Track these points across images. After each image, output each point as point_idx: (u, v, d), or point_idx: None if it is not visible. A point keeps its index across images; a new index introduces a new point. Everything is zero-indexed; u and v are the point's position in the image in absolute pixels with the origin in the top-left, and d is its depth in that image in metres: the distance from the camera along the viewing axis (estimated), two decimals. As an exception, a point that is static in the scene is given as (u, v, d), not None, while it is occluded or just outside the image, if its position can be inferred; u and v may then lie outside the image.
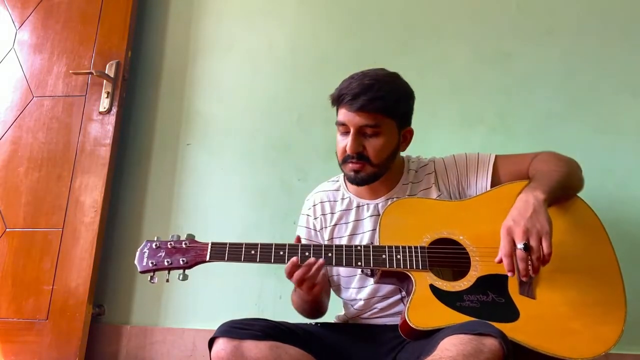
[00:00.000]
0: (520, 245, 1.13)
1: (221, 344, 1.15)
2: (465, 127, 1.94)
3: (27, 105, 2.24)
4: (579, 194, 1.35)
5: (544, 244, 1.13)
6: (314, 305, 1.39)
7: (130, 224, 2.17)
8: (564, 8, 1.95)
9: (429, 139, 1.87)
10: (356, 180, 1.36)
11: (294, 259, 1.22)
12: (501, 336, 1.00)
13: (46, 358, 1.93)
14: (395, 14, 2.10)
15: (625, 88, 1.85)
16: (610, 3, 1.92)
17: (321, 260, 1.21)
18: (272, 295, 1.97)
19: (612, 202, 1.73)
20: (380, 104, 1.29)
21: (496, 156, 1.41)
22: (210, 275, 1.99)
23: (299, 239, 1.30)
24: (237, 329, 1.18)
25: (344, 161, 1.36)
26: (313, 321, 1.44)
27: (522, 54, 1.95)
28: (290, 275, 1.22)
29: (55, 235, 2.06)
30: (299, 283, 1.22)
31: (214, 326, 1.21)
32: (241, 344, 1.15)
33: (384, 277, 1.27)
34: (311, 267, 1.21)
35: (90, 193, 2.08)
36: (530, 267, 1.14)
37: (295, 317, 1.45)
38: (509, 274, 1.15)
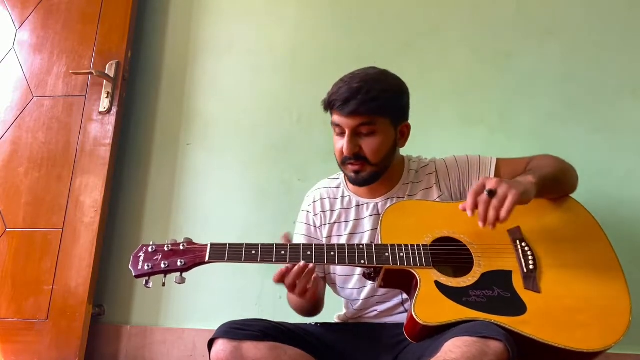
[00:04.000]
0: (486, 190, 1.15)
1: (221, 345, 1.15)
2: (466, 126, 1.94)
3: (27, 105, 2.24)
4: (575, 196, 1.35)
5: (508, 199, 1.13)
6: (309, 305, 1.39)
7: (130, 224, 2.17)
8: (564, 8, 1.95)
9: (429, 139, 1.87)
10: (358, 181, 1.37)
11: (282, 268, 1.21)
12: (506, 339, 0.99)
13: (46, 358, 1.93)
14: (395, 13, 2.10)
15: (625, 88, 1.84)
16: (610, 3, 1.92)
17: (311, 265, 1.20)
18: (272, 295, 1.97)
19: (612, 202, 1.73)
20: (370, 105, 1.28)
21: (497, 159, 1.41)
22: (210, 275, 1.99)
23: (286, 237, 1.28)
24: (237, 330, 1.18)
25: (343, 163, 1.36)
26: (313, 321, 1.44)
27: (522, 54, 1.95)
28: (279, 282, 1.22)
29: (55, 235, 2.06)
30: (290, 289, 1.21)
31: (214, 326, 1.21)
32: (241, 345, 1.15)
33: (387, 279, 1.25)
34: (300, 274, 1.19)
35: (90, 193, 2.08)
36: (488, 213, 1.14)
37: (295, 318, 1.45)
38: (469, 213, 1.15)
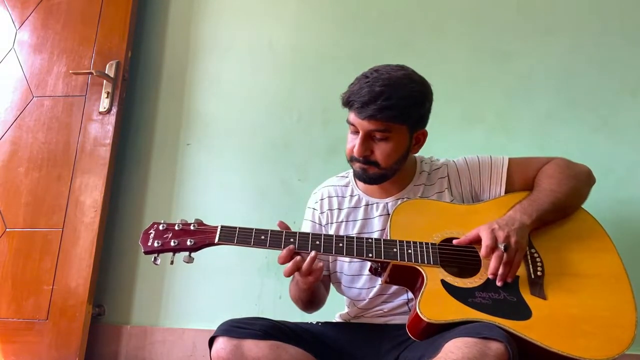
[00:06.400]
0: (501, 245, 1.18)
1: (221, 343, 1.15)
2: (466, 126, 1.94)
3: (27, 105, 2.24)
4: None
5: (517, 256, 1.19)
6: (310, 294, 1.37)
7: (130, 224, 2.17)
8: (564, 8, 1.95)
9: (429, 139, 1.85)
10: (363, 178, 1.36)
11: (290, 247, 1.21)
12: (507, 340, 1.00)
13: (46, 358, 1.93)
14: (395, 13, 2.10)
15: (625, 87, 1.85)
16: (610, 3, 1.92)
17: (313, 253, 1.20)
18: (272, 295, 1.96)
19: (612, 202, 1.73)
20: (389, 113, 1.25)
21: (509, 160, 1.40)
22: (210, 275, 2.00)
23: (282, 225, 1.27)
24: (238, 328, 1.18)
25: (351, 160, 1.35)
26: (314, 320, 1.43)
27: (522, 54, 1.95)
28: (282, 263, 1.22)
29: (55, 235, 2.06)
30: (291, 273, 1.21)
31: (214, 326, 1.21)
32: (241, 343, 1.15)
33: (393, 275, 1.24)
34: (300, 263, 1.20)
35: (90, 193, 2.07)
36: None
37: (295, 317, 1.45)
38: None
